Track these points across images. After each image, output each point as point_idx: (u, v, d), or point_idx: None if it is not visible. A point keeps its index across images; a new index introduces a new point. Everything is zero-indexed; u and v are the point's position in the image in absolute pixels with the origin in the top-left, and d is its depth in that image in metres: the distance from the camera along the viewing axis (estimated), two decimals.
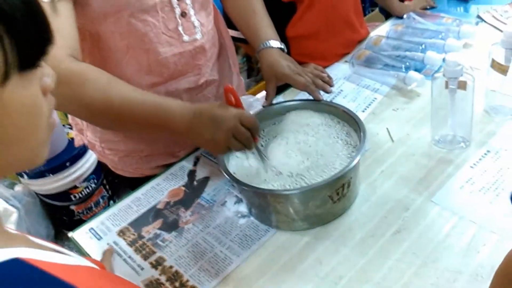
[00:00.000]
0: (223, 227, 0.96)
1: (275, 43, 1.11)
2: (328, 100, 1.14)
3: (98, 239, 0.99)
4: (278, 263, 0.87)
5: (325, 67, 1.29)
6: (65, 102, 0.84)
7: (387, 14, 1.74)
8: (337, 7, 1.40)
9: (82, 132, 1.19)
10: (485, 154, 1.02)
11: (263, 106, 1.09)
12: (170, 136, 1.11)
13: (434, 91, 1.02)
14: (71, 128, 1.88)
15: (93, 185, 2.21)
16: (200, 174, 1.11)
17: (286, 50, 1.13)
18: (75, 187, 2.14)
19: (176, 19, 1.01)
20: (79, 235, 1.01)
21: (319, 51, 1.43)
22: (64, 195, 2.13)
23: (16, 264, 0.39)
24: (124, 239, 0.98)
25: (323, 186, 0.86)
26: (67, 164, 2.07)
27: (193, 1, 1.02)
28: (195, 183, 1.08)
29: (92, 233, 1.01)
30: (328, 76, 1.13)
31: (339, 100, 1.25)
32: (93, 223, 1.03)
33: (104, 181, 2.30)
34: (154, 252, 0.93)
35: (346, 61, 1.43)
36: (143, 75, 1.03)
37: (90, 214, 2.22)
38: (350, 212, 0.94)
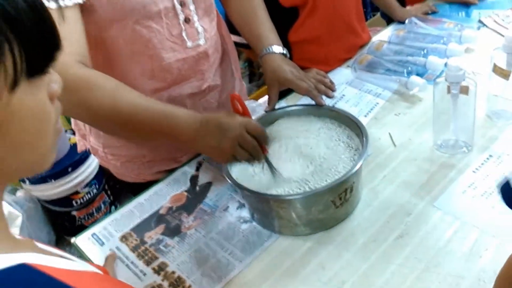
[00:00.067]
0: (226, 232, 0.96)
1: (278, 48, 1.11)
2: (331, 105, 1.15)
3: (101, 245, 0.99)
4: (281, 268, 0.87)
5: (327, 72, 1.29)
6: (73, 108, 0.85)
7: (389, 19, 1.74)
8: (339, 12, 1.41)
9: (85, 137, 1.20)
10: (487, 158, 1.02)
11: (265, 111, 1.10)
12: (175, 143, 1.11)
13: (436, 96, 1.02)
14: (73, 134, 1.88)
15: (94, 191, 2.21)
16: (202, 179, 1.11)
17: (288, 55, 1.14)
18: (77, 192, 2.14)
19: (180, 25, 1.01)
20: (81, 240, 1.01)
21: (321, 56, 1.43)
22: (65, 200, 2.13)
23: (23, 269, 0.40)
24: (127, 244, 0.98)
25: (325, 191, 0.86)
26: (69, 169, 2.06)
27: (197, 7, 1.03)
28: (197, 188, 1.09)
29: (95, 239, 1.01)
30: (330, 81, 1.13)
31: (341, 105, 1.25)
32: (96, 228, 1.03)
33: (106, 187, 2.30)
34: (156, 258, 0.93)
35: (348, 66, 1.43)
36: (147, 80, 1.03)
37: (92, 219, 2.22)
38: (352, 217, 0.94)
